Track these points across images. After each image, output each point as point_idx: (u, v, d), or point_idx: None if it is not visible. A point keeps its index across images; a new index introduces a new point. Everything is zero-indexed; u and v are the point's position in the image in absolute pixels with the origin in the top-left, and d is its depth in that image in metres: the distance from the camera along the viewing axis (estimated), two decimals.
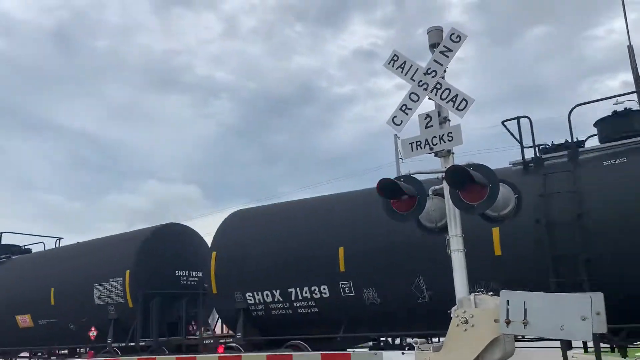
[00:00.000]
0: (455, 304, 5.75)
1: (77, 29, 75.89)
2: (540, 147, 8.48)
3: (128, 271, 11.42)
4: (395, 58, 6.76)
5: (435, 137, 6.21)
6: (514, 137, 8.44)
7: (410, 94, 6.53)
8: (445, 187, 6.05)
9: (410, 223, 7.83)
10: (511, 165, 8.60)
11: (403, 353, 7.04)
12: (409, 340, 8.94)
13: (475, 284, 7.33)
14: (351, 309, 8.70)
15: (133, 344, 11.13)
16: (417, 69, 6.56)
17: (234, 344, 9.78)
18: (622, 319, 6.75)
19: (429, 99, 6.43)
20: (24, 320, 13.49)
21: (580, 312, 4.90)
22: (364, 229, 8.77)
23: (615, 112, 8.23)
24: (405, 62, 6.68)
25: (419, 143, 6.34)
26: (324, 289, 8.81)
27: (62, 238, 15.99)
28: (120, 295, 11.52)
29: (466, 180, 5.70)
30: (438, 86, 6.33)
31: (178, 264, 12.13)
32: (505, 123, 8.53)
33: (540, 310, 5.10)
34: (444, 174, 5.98)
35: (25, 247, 16.25)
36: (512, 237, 7.51)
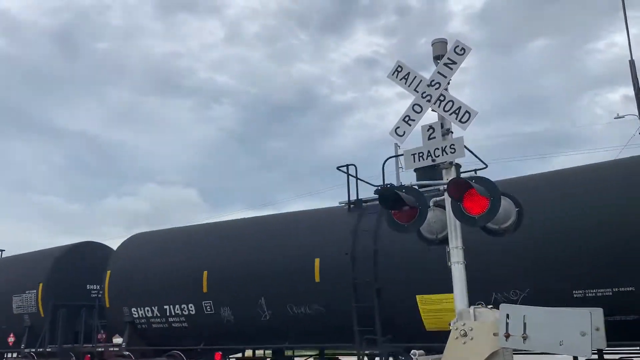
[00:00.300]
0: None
1: (79, 31, 76.18)
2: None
3: (41, 284, 12.80)
4: (399, 69, 6.79)
5: (438, 148, 6.22)
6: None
7: (414, 105, 6.55)
8: (447, 198, 6.05)
9: (249, 252, 9.77)
10: (340, 204, 10.04)
11: None
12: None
13: (301, 305, 9.15)
14: (212, 325, 10.20)
15: (41, 349, 12.47)
16: (421, 81, 6.59)
17: (126, 352, 11.12)
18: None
19: (432, 110, 6.46)
20: None
21: (580, 327, 4.89)
22: (223, 257, 10.35)
23: None
24: (409, 74, 6.71)
25: (421, 154, 6.36)
26: (191, 307, 10.38)
27: (3, 250, 17.13)
28: (33, 305, 12.88)
29: (467, 193, 5.72)
30: (441, 98, 6.36)
31: (90, 278, 13.36)
32: (340, 168, 9.85)
33: (539, 325, 5.09)
34: (445, 186, 6.00)
35: None
36: (328, 267, 9.05)
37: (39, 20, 74.37)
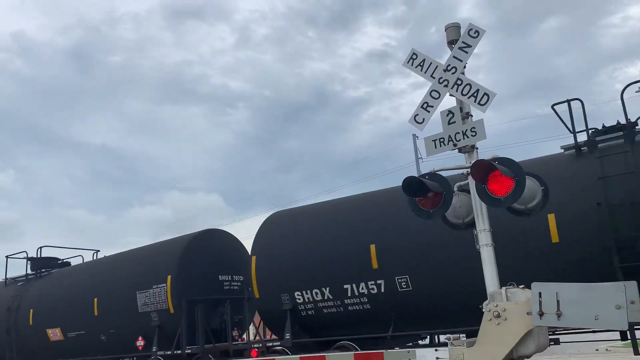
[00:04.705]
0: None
1: (92, 46, 77.03)
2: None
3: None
4: (414, 56, 6.80)
5: (459, 132, 6.22)
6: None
7: (431, 91, 6.56)
8: (471, 182, 6.05)
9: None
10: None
11: (436, 350, 7.04)
12: (441, 337, 8.94)
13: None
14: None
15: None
16: (437, 66, 6.59)
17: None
18: None
19: (450, 95, 6.45)
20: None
21: (615, 301, 4.87)
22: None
23: None
24: (424, 60, 6.71)
25: (442, 140, 6.36)
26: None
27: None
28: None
29: (491, 175, 5.72)
30: (459, 82, 6.35)
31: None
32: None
33: (573, 301, 5.08)
34: (469, 169, 6.00)
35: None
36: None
37: (53, 38, 75.51)
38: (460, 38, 6.50)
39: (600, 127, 8.26)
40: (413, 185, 6.13)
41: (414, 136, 35.48)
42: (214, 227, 13.39)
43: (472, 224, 6.22)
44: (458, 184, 6.37)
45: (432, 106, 6.54)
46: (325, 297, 9.20)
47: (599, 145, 7.96)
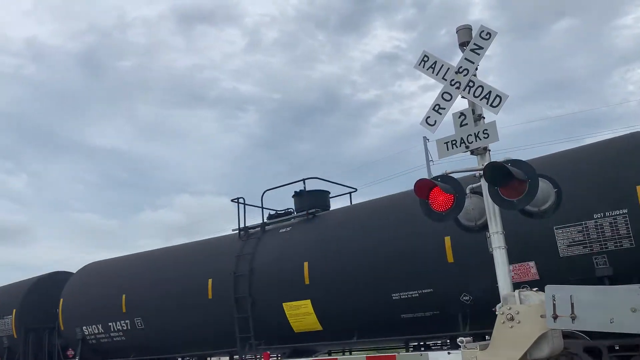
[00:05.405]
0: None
1: (103, 51, 77.37)
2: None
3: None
4: (425, 59, 6.78)
5: (471, 135, 6.20)
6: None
7: (443, 93, 6.54)
8: (484, 184, 6.03)
9: None
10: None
11: (449, 353, 7.02)
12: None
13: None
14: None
15: None
16: (448, 68, 6.56)
17: None
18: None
19: (462, 97, 6.43)
20: None
21: (630, 303, 4.83)
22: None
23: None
24: (435, 62, 6.70)
25: (454, 142, 6.35)
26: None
27: None
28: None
29: (504, 177, 5.69)
30: (471, 84, 6.33)
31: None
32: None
33: (588, 304, 5.04)
34: (481, 172, 5.98)
35: None
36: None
37: (65, 44, 76.09)
38: (471, 40, 6.48)
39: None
40: (425, 188, 6.12)
41: (425, 138, 35.46)
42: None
43: (484, 227, 6.19)
44: (470, 186, 6.36)
45: (444, 108, 6.52)
46: (100, 331, 12.86)
47: (249, 231, 11.40)
